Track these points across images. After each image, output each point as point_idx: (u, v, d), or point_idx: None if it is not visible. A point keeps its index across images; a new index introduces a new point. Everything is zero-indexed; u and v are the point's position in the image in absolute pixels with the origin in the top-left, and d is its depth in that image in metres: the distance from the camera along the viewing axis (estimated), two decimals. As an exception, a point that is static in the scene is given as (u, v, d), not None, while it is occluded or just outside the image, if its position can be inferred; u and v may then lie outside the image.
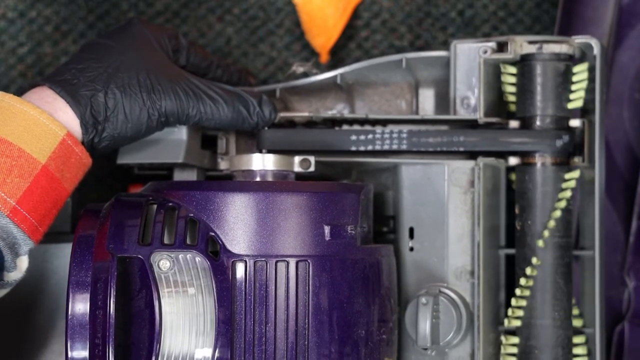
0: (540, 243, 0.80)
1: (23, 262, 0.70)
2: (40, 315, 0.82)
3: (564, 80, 0.81)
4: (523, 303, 0.81)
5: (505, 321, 0.81)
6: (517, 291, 0.81)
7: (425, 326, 0.77)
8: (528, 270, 0.80)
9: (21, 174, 0.69)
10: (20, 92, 0.73)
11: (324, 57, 0.97)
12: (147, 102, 0.74)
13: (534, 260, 0.80)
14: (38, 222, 0.70)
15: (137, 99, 0.74)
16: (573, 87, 0.81)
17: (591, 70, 0.81)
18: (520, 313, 0.81)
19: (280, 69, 0.98)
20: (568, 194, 0.80)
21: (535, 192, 0.81)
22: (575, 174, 0.80)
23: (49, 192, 0.70)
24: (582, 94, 0.81)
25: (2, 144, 0.69)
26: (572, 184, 0.80)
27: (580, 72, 0.81)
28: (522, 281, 0.80)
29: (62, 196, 0.72)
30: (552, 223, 0.80)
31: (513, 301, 0.81)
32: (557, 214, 0.80)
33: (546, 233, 0.80)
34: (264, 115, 0.79)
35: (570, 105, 0.81)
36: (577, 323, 0.82)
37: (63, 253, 0.82)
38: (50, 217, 0.71)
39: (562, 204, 0.80)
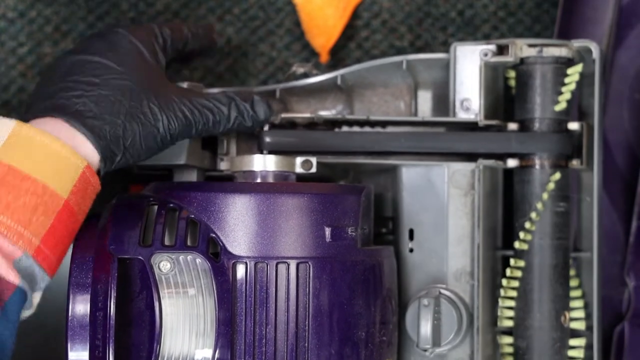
0: (517, 244, 0.81)
1: (36, 298, 0.68)
2: (40, 317, 0.82)
3: (563, 83, 0.81)
4: (511, 303, 0.81)
5: (498, 321, 0.82)
6: (502, 291, 0.81)
7: (426, 328, 0.77)
8: (508, 271, 0.81)
9: (45, 211, 0.66)
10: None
11: (324, 57, 0.97)
12: (160, 130, 0.73)
13: (513, 261, 0.81)
14: (57, 258, 0.67)
15: (152, 129, 0.72)
16: (562, 89, 0.81)
17: (589, 74, 0.82)
18: (511, 313, 0.81)
19: (280, 69, 0.98)
20: (546, 196, 0.81)
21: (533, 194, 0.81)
22: (556, 176, 0.81)
23: (68, 226, 0.68)
24: (568, 96, 0.81)
25: (27, 181, 0.65)
26: (551, 186, 0.81)
27: (571, 75, 0.81)
28: (504, 281, 0.81)
29: (77, 228, 0.69)
30: (528, 224, 0.80)
31: (500, 301, 0.82)
32: (534, 215, 0.81)
33: (522, 234, 0.81)
34: (258, 117, 0.79)
35: (557, 108, 0.81)
36: (578, 325, 0.82)
37: (63, 254, 0.82)
38: (65, 251, 0.69)
39: (540, 205, 0.81)
